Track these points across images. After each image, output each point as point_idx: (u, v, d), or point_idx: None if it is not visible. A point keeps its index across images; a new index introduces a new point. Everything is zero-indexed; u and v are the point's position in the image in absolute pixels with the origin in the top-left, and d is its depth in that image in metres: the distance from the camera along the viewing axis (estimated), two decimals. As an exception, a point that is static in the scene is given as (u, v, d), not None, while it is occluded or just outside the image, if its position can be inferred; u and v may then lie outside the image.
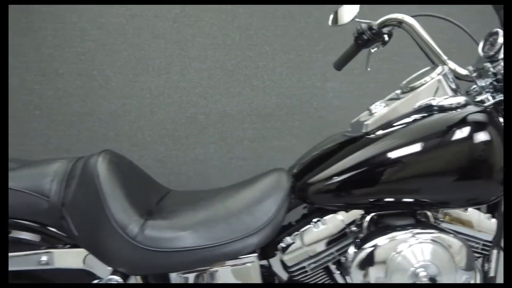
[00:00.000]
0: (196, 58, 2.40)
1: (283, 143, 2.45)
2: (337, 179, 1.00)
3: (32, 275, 0.98)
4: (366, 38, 1.26)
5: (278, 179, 1.07)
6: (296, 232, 1.04)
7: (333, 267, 1.06)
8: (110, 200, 0.94)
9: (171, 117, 2.45)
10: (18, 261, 0.94)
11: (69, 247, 0.97)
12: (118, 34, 2.41)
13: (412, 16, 1.25)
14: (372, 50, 1.32)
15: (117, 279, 0.93)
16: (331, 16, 1.35)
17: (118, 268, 0.95)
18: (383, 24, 1.25)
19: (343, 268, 1.03)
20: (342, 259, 1.04)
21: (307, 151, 1.20)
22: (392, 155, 0.99)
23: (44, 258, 0.94)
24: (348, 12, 1.27)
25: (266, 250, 1.05)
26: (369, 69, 1.38)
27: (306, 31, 2.38)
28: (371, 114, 1.15)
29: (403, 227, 0.99)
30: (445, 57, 1.19)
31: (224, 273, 0.99)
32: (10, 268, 0.93)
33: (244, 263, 0.99)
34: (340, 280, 1.05)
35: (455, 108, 1.01)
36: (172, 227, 0.96)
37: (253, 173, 2.47)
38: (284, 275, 1.07)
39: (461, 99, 1.03)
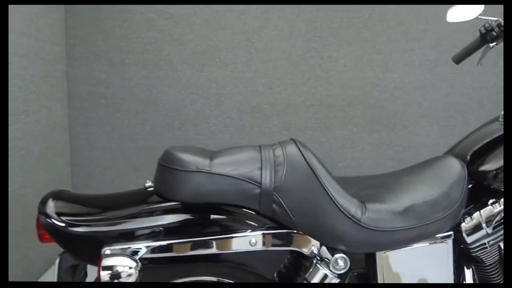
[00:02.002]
0: (262, 49, 2.47)
1: (344, 132, 2.52)
2: None
3: (244, 255, 1.03)
4: (495, 35, 1.30)
5: (454, 165, 1.14)
6: (476, 212, 1.12)
7: (502, 245, 1.14)
8: (329, 186, 0.99)
9: (236, 107, 2.51)
10: (234, 243, 0.99)
11: (274, 229, 1.01)
12: (185, 25, 2.47)
13: None
14: (491, 45, 1.36)
15: (344, 257, 1.02)
16: (450, 12, 1.37)
17: (338, 246, 1.02)
18: None
19: None
20: None
21: (468, 139, 1.25)
22: None
23: (253, 240, 0.98)
24: (472, 9, 1.30)
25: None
26: (481, 63, 1.42)
27: (370, 23, 2.46)
28: None
29: None
30: None
31: (423, 251, 1.09)
32: (226, 251, 0.99)
33: (442, 241, 1.09)
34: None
35: None
36: (388, 210, 1.03)
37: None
38: (464, 251, 1.16)
39: None
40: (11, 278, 2.00)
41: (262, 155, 1.01)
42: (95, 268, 1.09)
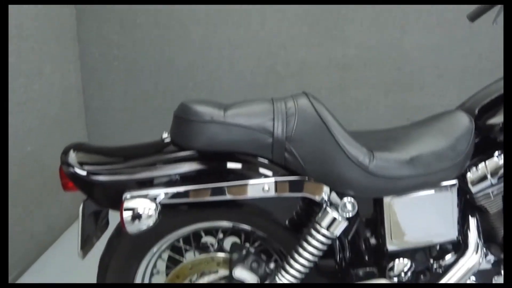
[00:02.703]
0: (277, 10, 2.41)
1: (360, 93, 2.50)
2: None
3: (259, 202, 1.08)
4: None
5: (461, 119, 1.16)
6: (482, 163, 1.14)
7: None
8: (338, 135, 1.03)
9: (250, 68, 2.48)
10: (248, 189, 1.03)
11: (286, 176, 1.04)
12: (198, -17, 2.42)
13: None
14: None
15: (351, 201, 1.06)
16: None
17: (347, 192, 1.05)
18: None
19: None
20: None
21: (478, 94, 1.26)
22: None
23: (266, 186, 1.02)
24: None
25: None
26: (497, 22, 1.38)
27: (386, -18, 2.39)
28: None
29: None
30: None
31: (428, 198, 1.12)
32: (240, 197, 1.03)
33: (447, 189, 1.11)
34: None
35: None
36: (395, 158, 1.06)
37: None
38: (468, 201, 1.18)
39: None
40: (35, 234, 2.06)
41: (274, 107, 1.04)
42: (116, 217, 1.12)
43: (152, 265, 1.19)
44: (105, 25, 2.49)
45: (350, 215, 1.06)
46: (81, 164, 1.03)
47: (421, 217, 1.12)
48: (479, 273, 1.16)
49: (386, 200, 1.11)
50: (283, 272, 1.07)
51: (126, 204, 0.97)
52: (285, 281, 1.06)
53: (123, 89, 2.55)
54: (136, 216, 0.97)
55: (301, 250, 1.06)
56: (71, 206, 2.42)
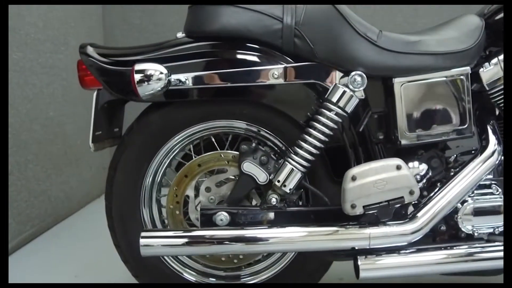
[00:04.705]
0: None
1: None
2: None
3: (269, 95, 1.09)
4: None
5: (471, 18, 1.20)
6: (495, 59, 1.13)
7: None
8: (348, 15, 1.08)
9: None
10: (258, 75, 1.06)
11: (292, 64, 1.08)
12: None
13: None
14: None
15: (361, 73, 1.06)
16: None
17: (356, 68, 1.07)
18: None
19: None
20: None
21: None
22: None
23: (276, 72, 1.06)
24: None
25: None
26: None
27: (399, -34, 2.47)
28: None
29: None
30: None
31: (440, 83, 1.11)
32: (250, 83, 1.06)
33: (458, 76, 1.11)
34: None
35: None
36: (403, 38, 1.12)
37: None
38: (484, 100, 1.17)
39: None
40: (52, 198, 2.10)
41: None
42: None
43: (162, 172, 1.20)
44: (128, 9, 2.62)
45: (360, 89, 1.06)
46: (99, 55, 1.10)
47: (434, 105, 1.11)
48: (500, 182, 1.13)
49: (397, 83, 1.10)
50: (292, 156, 1.06)
51: (137, 67, 1.01)
52: (294, 165, 1.06)
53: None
54: (146, 77, 1.00)
55: (311, 130, 1.06)
56: (91, 182, 2.46)
